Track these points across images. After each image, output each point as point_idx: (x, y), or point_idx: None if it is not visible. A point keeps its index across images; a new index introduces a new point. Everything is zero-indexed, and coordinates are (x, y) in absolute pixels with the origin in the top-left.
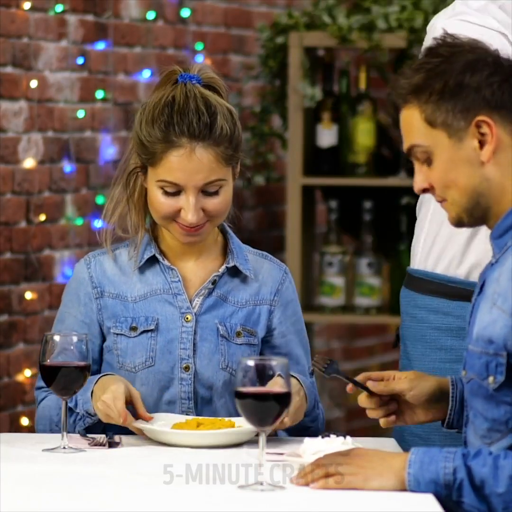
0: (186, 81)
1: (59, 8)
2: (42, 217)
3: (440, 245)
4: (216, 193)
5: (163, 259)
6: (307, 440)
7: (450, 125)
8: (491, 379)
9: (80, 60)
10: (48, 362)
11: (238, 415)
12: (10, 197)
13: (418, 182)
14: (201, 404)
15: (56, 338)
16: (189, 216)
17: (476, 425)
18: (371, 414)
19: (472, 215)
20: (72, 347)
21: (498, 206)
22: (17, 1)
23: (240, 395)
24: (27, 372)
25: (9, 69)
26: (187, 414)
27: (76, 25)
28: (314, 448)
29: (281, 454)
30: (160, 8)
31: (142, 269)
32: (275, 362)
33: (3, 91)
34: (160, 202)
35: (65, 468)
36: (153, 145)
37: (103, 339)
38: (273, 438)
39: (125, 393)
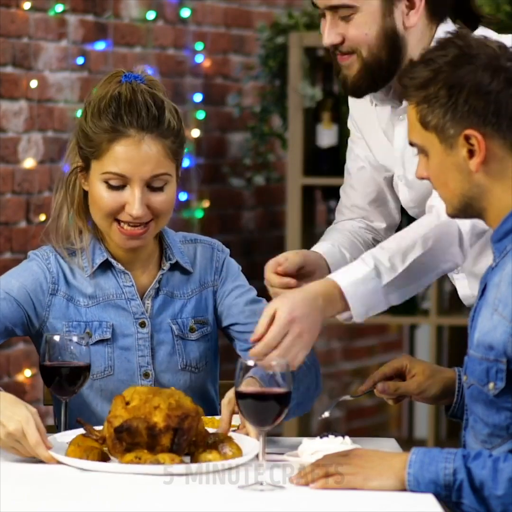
0: (131, 80)
1: (59, 8)
2: (42, 217)
3: None
4: (161, 189)
5: (117, 263)
6: (306, 440)
7: (441, 131)
8: (491, 385)
9: (80, 60)
10: (48, 362)
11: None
12: (10, 197)
13: (419, 170)
14: None
15: (56, 338)
16: (135, 209)
17: (477, 430)
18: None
19: (465, 213)
20: (72, 347)
21: (493, 207)
22: (17, 1)
23: (240, 395)
24: (27, 372)
25: (9, 69)
26: None
27: (76, 25)
28: (313, 448)
29: (281, 454)
30: (160, 8)
31: (94, 273)
32: (275, 362)
33: (3, 91)
34: (103, 197)
35: (65, 468)
36: (99, 136)
37: (30, 331)
38: (273, 438)
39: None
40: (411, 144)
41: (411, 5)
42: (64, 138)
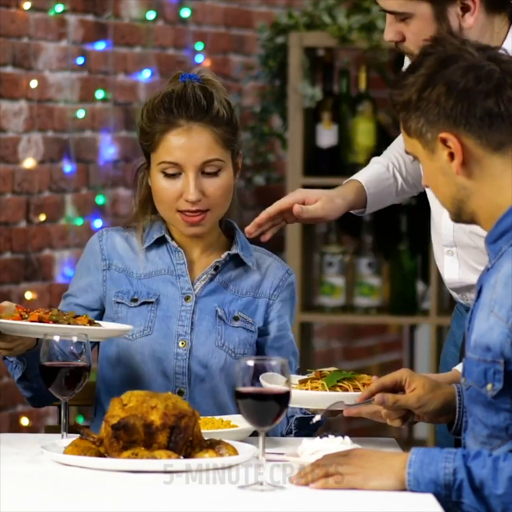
0: (186, 79)
1: (59, 8)
2: (42, 217)
3: None
4: (215, 174)
5: (171, 240)
6: (306, 440)
7: (421, 136)
8: (489, 386)
9: (80, 60)
10: (48, 362)
11: (230, 399)
12: (10, 197)
13: (422, 179)
14: (194, 381)
15: (56, 338)
16: (190, 194)
17: (476, 432)
18: (384, 415)
19: (461, 217)
20: (72, 347)
21: (482, 209)
22: (17, 1)
23: (240, 395)
24: None
25: (9, 69)
26: (180, 391)
27: (76, 25)
28: (313, 448)
29: (281, 454)
30: (160, 8)
31: (149, 248)
32: (275, 362)
33: (3, 91)
34: (161, 186)
35: (64, 468)
36: (153, 129)
37: (102, 309)
38: (273, 438)
39: None
40: (407, 153)
41: (465, 8)
42: (64, 138)
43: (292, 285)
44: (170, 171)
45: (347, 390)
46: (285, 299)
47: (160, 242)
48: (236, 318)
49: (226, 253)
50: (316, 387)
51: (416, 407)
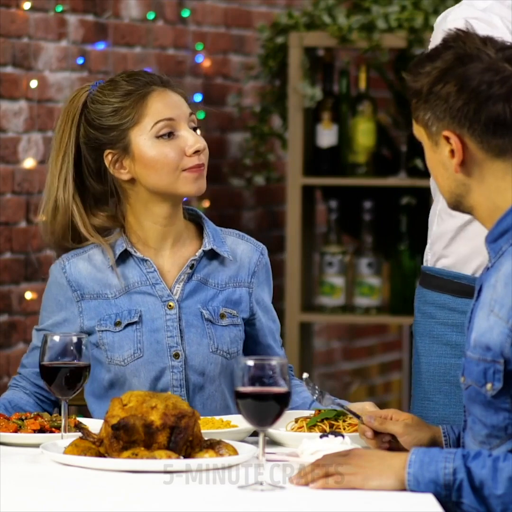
0: (96, 86)
1: (59, 8)
2: (43, 217)
3: (446, 241)
4: (198, 128)
5: (135, 251)
6: (306, 440)
7: (427, 127)
8: (489, 386)
9: (80, 60)
10: (48, 362)
11: (232, 400)
12: (10, 197)
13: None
14: (193, 391)
15: (56, 338)
16: (195, 141)
17: (475, 431)
18: (367, 441)
19: (459, 209)
20: (72, 347)
21: (481, 206)
22: (17, 1)
23: (240, 395)
24: None
25: (9, 69)
26: None
27: (76, 25)
28: (313, 448)
29: (281, 454)
30: (160, 8)
31: (116, 264)
32: (275, 361)
33: (3, 91)
34: (163, 151)
35: (65, 468)
36: (130, 101)
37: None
38: (273, 438)
39: None
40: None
41: None
42: None
43: (266, 265)
44: (165, 130)
45: (324, 430)
46: (262, 282)
47: (124, 255)
48: (222, 316)
49: (200, 251)
50: (302, 427)
51: (401, 433)
